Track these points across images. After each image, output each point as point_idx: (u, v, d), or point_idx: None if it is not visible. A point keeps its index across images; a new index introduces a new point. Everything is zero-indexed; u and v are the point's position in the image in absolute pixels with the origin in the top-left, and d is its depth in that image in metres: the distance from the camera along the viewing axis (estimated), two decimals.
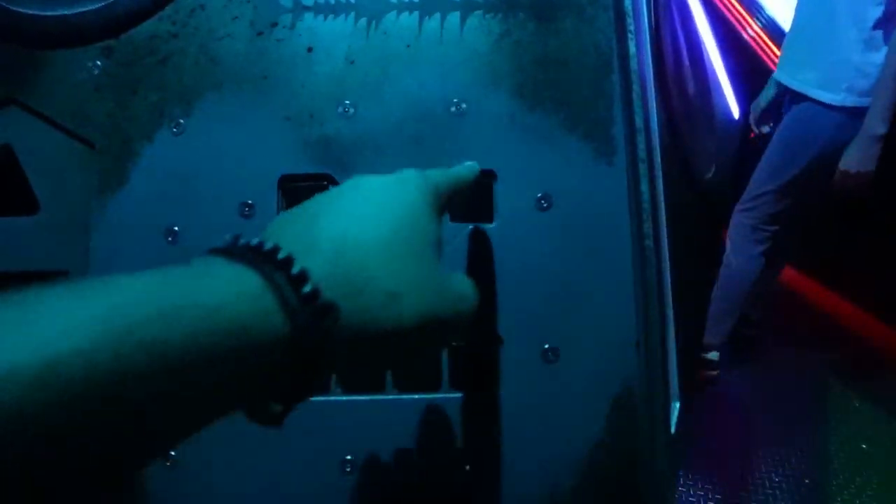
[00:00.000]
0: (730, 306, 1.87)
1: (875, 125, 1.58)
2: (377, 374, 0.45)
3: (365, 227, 0.29)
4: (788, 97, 1.79)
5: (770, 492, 1.73)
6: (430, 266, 0.31)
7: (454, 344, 0.46)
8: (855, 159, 1.62)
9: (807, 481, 1.75)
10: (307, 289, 0.25)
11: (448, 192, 0.36)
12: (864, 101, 1.60)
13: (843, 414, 1.98)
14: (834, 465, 1.80)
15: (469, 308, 0.33)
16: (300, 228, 0.29)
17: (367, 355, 0.29)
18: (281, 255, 0.26)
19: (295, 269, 0.25)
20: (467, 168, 0.40)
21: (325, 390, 0.46)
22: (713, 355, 1.92)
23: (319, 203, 0.31)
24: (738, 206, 1.83)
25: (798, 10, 1.79)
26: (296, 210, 0.31)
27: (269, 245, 0.26)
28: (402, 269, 0.29)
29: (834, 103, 1.64)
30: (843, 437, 1.89)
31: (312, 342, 0.25)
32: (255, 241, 0.27)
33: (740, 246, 1.83)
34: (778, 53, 2.06)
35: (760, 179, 1.78)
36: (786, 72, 1.77)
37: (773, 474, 1.77)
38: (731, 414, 1.98)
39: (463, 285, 0.33)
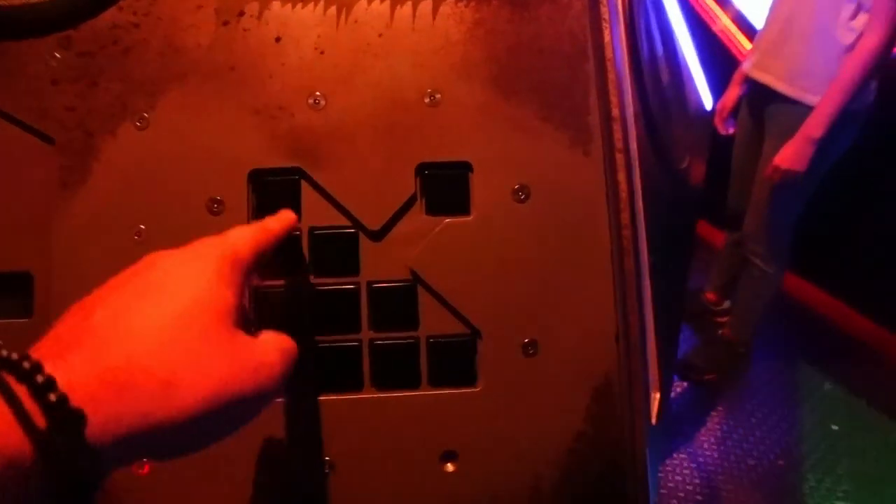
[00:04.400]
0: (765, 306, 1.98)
1: (814, 128, 1.59)
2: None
3: (142, 314, 0.28)
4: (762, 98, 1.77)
5: (746, 473, 1.77)
6: (220, 342, 0.30)
7: (432, 339, 0.46)
8: (789, 158, 1.65)
9: (781, 463, 1.79)
10: (53, 397, 0.23)
11: (253, 250, 0.35)
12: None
13: (815, 397, 2.03)
14: (806, 447, 1.85)
15: (272, 376, 0.32)
16: (76, 321, 0.28)
17: (152, 448, 0.28)
18: (28, 364, 0.24)
19: (41, 378, 0.24)
20: (277, 219, 0.40)
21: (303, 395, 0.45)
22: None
23: (107, 288, 0.30)
24: (783, 218, 1.84)
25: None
26: (89, 297, 0.30)
27: (15, 355, 0.24)
28: (180, 355, 0.28)
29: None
30: (815, 419, 1.94)
31: (62, 454, 0.23)
32: (5, 351, 0.24)
33: (782, 252, 1.89)
34: (747, 46, 2.06)
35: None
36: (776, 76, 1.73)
37: (748, 457, 1.81)
38: (706, 399, 2.02)
39: (265, 354, 0.32)
